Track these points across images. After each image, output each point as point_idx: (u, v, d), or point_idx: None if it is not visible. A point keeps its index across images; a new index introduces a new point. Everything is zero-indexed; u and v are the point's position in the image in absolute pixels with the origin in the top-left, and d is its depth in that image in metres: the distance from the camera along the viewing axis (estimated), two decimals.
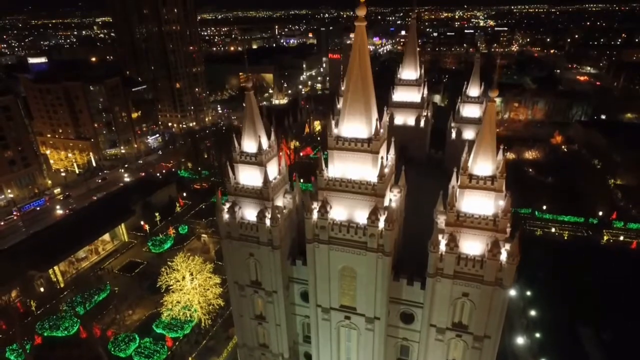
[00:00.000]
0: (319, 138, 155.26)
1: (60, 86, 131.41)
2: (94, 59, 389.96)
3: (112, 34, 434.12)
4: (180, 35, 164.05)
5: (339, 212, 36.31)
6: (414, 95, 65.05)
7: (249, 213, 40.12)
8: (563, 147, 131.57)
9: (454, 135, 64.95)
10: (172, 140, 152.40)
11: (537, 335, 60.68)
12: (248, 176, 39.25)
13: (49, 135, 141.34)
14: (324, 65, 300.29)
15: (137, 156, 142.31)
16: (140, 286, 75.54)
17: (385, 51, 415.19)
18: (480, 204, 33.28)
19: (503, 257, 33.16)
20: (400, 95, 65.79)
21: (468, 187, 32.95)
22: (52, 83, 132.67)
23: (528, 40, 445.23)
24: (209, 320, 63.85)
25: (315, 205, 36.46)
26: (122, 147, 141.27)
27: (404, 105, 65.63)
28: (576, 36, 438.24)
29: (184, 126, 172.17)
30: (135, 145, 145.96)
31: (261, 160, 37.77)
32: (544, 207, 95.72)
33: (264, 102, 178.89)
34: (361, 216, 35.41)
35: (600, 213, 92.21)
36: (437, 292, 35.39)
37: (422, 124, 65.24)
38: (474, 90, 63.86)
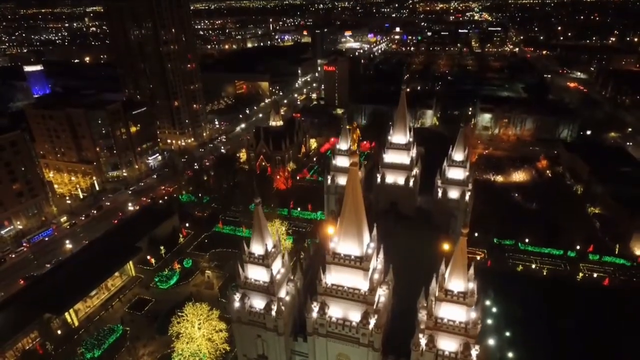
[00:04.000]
0: (314, 159, 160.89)
1: (62, 113, 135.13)
2: (88, 59, 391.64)
3: (104, 27, 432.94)
4: (178, 55, 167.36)
5: (335, 310, 42.40)
6: (403, 158, 71.07)
7: (257, 302, 46.08)
8: (547, 171, 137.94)
9: (440, 194, 71.03)
10: (172, 160, 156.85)
11: None
12: (256, 273, 45.09)
13: (51, 158, 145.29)
14: (319, 68, 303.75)
15: (139, 178, 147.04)
16: (150, 326, 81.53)
17: (380, 51, 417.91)
18: (454, 313, 39.31)
19: (473, 356, 39.31)
20: (391, 157, 71.74)
21: (444, 300, 38.97)
22: (55, 109, 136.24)
23: (522, 38, 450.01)
24: None
25: (315, 305, 42.45)
26: (123, 170, 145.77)
27: (395, 166, 71.80)
28: (569, 34, 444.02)
29: (183, 143, 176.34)
30: (136, 166, 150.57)
31: (268, 263, 43.54)
32: (527, 240, 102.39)
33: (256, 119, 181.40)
34: (354, 315, 41.56)
35: (578, 247, 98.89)
36: None
37: (411, 183, 70.97)
38: (458, 155, 69.88)
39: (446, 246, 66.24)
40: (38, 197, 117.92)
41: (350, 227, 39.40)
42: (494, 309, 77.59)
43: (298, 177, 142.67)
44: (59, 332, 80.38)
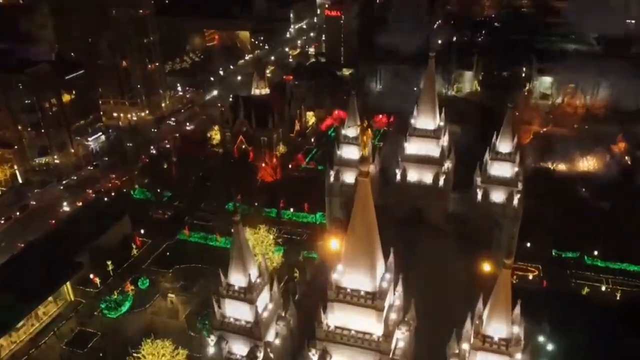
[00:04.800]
0: (313, 139, 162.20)
1: None
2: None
3: None
4: None
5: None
6: (431, 148, 72.71)
7: (238, 348, 48.09)
8: (627, 157, 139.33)
9: (479, 197, 72.71)
10: (120, 142, 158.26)
11: None
12: (236, 310, 46.88)
13: None
14: (318, 11, 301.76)
15: (76, 165, 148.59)
16: None
17: None
18: None
19: None
20: (414, 147, 73.60)
21: (481, 348, 40.80)
22: None
23: None
24: None
25: (314, 353, 44.32)
26: (55, 155, 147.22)
27: (420, 160, 73.25)
28: None
29: (134, 118, 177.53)
30: (72, 150, 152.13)
31: (251, 298, 45.23)
32: (595, 252, 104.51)
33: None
34: None
35: None
36: None
37: (441, 182, 72.53)
38: (505, 145, 71.42)
39: (487, 267, 68.23)
40: None
41: (359, 255, 40.85)
42: (550, 347, 79.88)
43: (290, 166, 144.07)
44: None
